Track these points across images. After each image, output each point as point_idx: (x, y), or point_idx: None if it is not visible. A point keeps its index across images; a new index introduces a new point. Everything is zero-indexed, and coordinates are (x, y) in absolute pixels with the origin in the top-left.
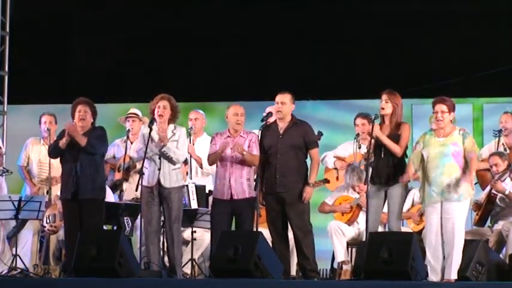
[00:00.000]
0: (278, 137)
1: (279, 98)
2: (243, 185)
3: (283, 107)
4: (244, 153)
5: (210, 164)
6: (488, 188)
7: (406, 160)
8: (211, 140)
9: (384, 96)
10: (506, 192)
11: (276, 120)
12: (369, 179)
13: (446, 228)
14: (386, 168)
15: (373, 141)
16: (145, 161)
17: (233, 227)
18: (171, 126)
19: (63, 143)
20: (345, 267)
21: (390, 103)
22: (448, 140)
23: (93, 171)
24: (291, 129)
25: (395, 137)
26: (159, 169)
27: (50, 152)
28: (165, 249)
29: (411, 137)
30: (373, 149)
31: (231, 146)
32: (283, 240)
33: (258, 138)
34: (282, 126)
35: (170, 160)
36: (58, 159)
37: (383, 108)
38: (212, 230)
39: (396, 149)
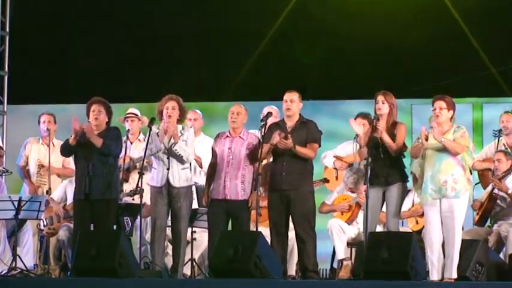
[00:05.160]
0: (289, 135)
1: (288, 96)
2: (237, 187)
3: (292, 104)
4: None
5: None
6: (489, 187)
7: (404, 160)
8: (213, 143)
9: (380, 97)
10: (510, 191)
11: (283, 119)
12: (369, 180)
13: (447, 226)
14: (384, 168)
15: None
16: (154, 160)
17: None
18: (179, 126)
19: (72, 140)
20: (345, 262)
21: (387, 103)
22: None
23: (106, 172)
24: (299, 128)
25: (391, 137)
26: (168, 169)
27: (61, 151)
28: (165, 249)
29: (410, 137)
30: (371, 150)
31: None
32: (283, 241)
33: (260, 140)
34: (290, 125)
35: (179, 159)
36: (64, 159)
37: (380, 109)
38: (209, 230)
39: (392, 146)
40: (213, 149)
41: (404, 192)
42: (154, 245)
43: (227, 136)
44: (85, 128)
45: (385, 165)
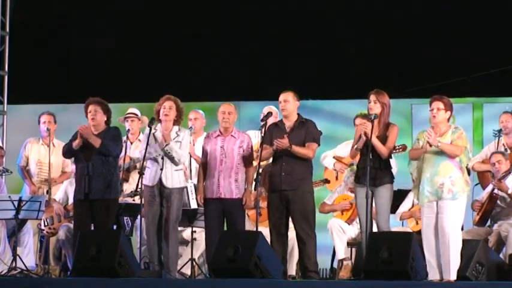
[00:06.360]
0: (285, 135)
1: (282, 96)
2: (231, 185)
3: (286, 104)
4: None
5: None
6: (489, 188)
7: (392, 162)
8: (203, 143)
9: (372, 97)
10: (510, 191)
11: (282, 119)
12: (356, 179)
13: (442, 227)
14: (372, 169)
15: (363, 139)
16: (148, 160)
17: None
18: (176, 127)
19: (76, 144)
20: (345, 262)
21: (378, 103)
22: (442, 139)
23: (106, 172)
24: (297, 128)
25: (383, 138)
26: (161, 169)
27: (64, 153)
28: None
29: (411, 138)
30: (362, 149)
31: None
32: (283, 241)
33: (259, 139)
34: (288, 125)
35: (172, 160)
36: (63, 161)
37: (371, 109)
38: (206, 230)
39: (383, 150)
40: (203, 149)
41: (392, 193)
42: (150, 244)
43: (218, 135)
44: (81, 131)
45: (373, 167)
